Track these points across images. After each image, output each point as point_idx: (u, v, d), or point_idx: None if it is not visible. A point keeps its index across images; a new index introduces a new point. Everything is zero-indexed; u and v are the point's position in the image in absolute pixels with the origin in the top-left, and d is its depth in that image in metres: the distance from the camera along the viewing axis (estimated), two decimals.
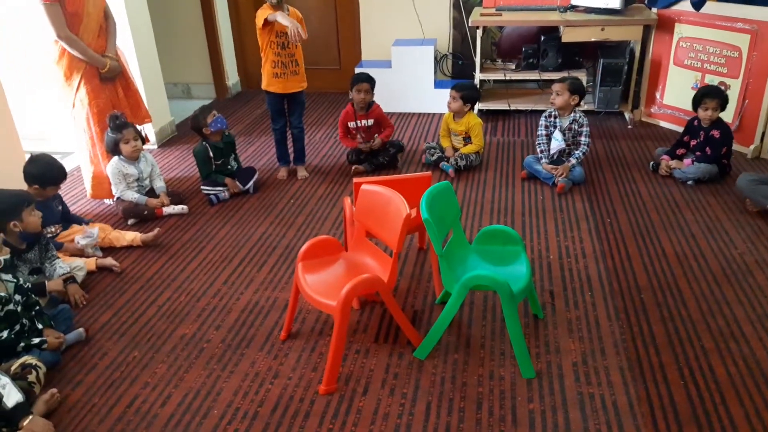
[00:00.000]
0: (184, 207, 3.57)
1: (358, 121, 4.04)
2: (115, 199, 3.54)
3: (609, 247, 3.05)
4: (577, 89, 3.70)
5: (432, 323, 2.47)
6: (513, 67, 5.16)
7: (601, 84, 4.75)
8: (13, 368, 2.15)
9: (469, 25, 4.98)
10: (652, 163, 3.94)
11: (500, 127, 4.79)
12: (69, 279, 2.75)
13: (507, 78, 5.03)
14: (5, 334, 2.24)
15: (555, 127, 3.80)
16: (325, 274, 2.37)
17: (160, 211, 3.51)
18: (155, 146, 4.62)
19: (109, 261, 3.01)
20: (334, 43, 5.73)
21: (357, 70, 4.73)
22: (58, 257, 2.84)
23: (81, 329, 2.50)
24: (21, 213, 2.56)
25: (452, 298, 2.23)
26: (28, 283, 2.41)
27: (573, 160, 3.71)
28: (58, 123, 4.12)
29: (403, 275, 2.88)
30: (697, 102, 3.69)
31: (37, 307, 2.41)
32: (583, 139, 3.76)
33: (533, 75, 4.97)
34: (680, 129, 4.12)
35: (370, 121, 4.05)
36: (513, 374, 2.23)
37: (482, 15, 4.79)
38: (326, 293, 2.20)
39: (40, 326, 2.37)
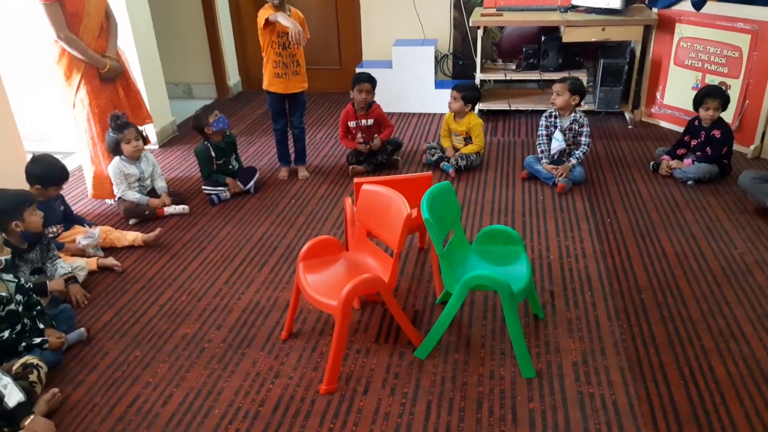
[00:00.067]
0: (186, 207, 3.58)
1: (358, 121, 4.04)
2: (116, 199, 3.55)
3: (609, 247, 3.06)
4: (577, 89, 3.70)
5: (432, 323, 2.47)
6: (513, 67, 5.16)
7: (601, 84, 4.75)
8: (14, 368, 2.16)
9: (470, 25, 4.98)
10: (652, 163, 3.94)
11: (501, 127, 4.79)
12: (70, 279, 2.75)
13: (507, 78, 5.04)
14: (6, 333, 2.24)
15: (555, 127, 3.80)
16: (325, 274, 2.37)
17: (162, 211, 3.52)
18: (156, 146, 4.63)
19: (111, 261, 3.01)
20: (335, 43, 5.73)
21: (358, 70, 4.73)
22: (60, 257, 2.85)
23: (82, 329, 2.50)
24: (22, 213, 2.57)
25: (453, 298, 2.23)
26: (29, 283, 2.41)
27: (573, 160, 3.71)
28: (59, 123, 4.13)
29: (404, 275, 2.89)
30: (698, 102, 3.69)
31: (39, 307, 2.41)
32: (583, 139, 3.76)
33: (534, 75, 4.97)
34: (680, 129, 4.12)
35: (370, 121, 4.05)
36: (513, 374, 2.24)
37: (483, 15, 4.80)
38: (327, 293, 2.20)
39: (41, 326, 2.37)
